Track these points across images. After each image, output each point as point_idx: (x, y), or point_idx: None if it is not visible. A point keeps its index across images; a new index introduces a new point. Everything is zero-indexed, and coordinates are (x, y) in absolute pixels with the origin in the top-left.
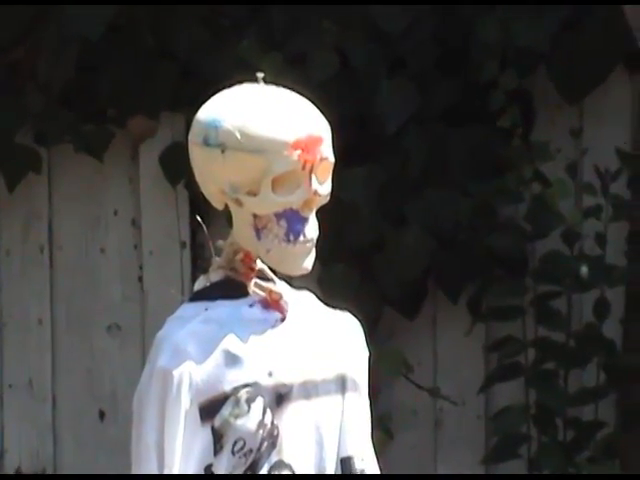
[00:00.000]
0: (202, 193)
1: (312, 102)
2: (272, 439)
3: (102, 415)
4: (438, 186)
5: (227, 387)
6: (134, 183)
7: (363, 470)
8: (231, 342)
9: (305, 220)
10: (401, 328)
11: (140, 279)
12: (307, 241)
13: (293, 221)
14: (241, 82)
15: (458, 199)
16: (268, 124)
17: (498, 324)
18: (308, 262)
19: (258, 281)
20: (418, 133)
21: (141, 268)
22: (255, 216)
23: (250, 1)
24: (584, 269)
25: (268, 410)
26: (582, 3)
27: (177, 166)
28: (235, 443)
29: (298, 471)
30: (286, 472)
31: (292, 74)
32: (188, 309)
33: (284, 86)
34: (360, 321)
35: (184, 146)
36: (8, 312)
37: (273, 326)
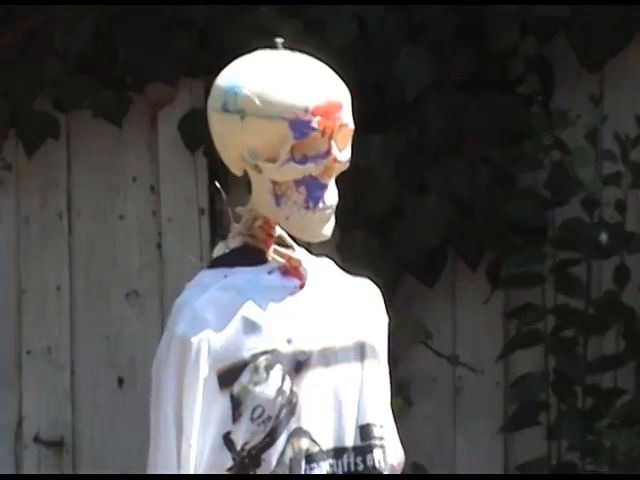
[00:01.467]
0: (221, 160)
1: (331, 68)
2: (291, 406)
3: (121, 382)
4: (457, 154)
5: (246, 354)
6: (153, 150)
7: (382, 437)
8: (250, 309)
9: (324, 187)
10: (420, 295)
11: (159, 246)
12: (326, 208)
13: (312, 188)
14: (260, 48)
15: (477, 167)
16: (287, 90)
17: (517, 291)
18: (327, 229)
19: (277, 248)
20: (437, 100)
21: (160, 235)
22: (274, 183)
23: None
24: (604, 236)
25: (287, 377)
26: (585, 3)
27: (196, 133)
28: (254, 410)
29: (317, 438)
30: (305, 439)
31: (311, 40)
32: (207, 276)
33: (303, 52)
34: (379, 288)
35: (203, 113)
36: (27, 279)
37: (292, 293)
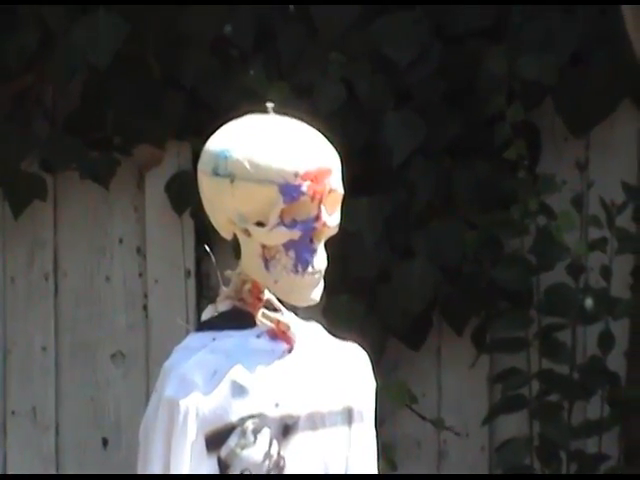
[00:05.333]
0: (208, 222)
1: (320, 133)
2: (278, 470)
3: (105, 443)
4: (444, 218)
5: (233, 418)
6: (139, 211)
7: None
8: (238, 373)
9: (314, 251)
10: (406, 359)
11: (145, 307)
12: (315, 272)
13: (302, 252)
14: (250, 112)
15: (464, 231)
16: (278, 155)
17: (502, 356)
18: (316, 293)
19: (266, 311)
20: (424, 165)
21: (146, 296)
22: (264, 246)
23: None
24: (589, 302)
25: (274, 441)
26: (586, 3)
27: (183, 195)
28: (241, 474)
29: None
30: None
31: (299, 104)
32: (195, 339)
33: (293, 117)
34: (365, 352)
35: (190, 175)
36: (12, 339)
37: (280, 357)
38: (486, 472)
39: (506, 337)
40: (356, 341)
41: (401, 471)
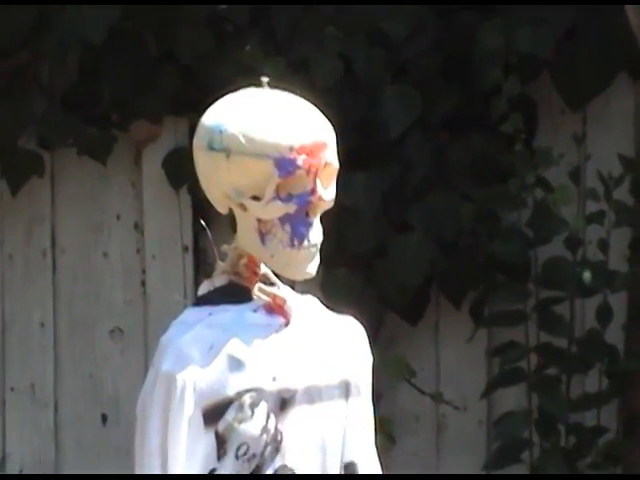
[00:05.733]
0: (205, 197)
1: (316, 107)
2: (276, 444)
3: (104, 419)
4: (440, 192)
5: (231, 392)
6: (137, 187)
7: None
8: (235, 347)
9: (309, 225)
10: (404, 333)
11: (143, 283)
12: (311, 246)
13: (297, 226)
14: (245, 87)
15: (460, 205)
16: (273, 129)
17: (500, 330)
18: (312, 267)
19: (262, 286)
20: (420, 139)
21: (144, 272)
22: (259, 221)
23: (255, 1)
24: (587, 275)
25: (272, 415)
26: (585, 3)
27: (180, 170)
28: (239, 448)
29: None
30: None
31: (295, 79)
32: (192, 314)
33: (288, 91)
34: (363, 326)
35: (187, 151)
36: (11, 316)
37: (277, 331)
38: (484, 445)
39: (504, 310)
40: (353, 315)
41: (400, 445)
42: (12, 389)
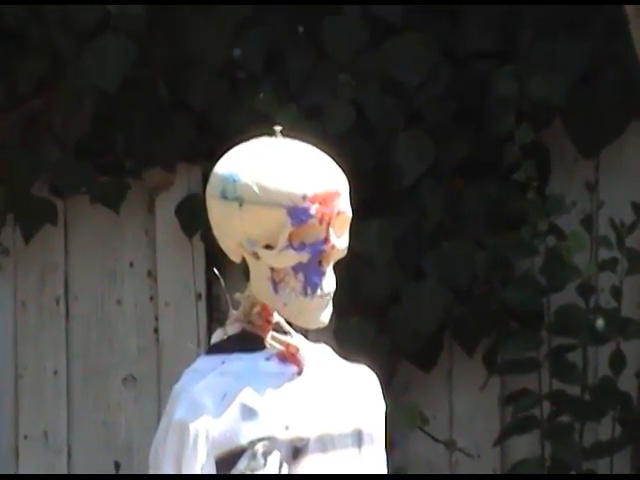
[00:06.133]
0: (218, 245)
1: (328, 155)
2: None
3: (117, 467)
4: (454, 239)
5: (243, 440)
6: (150, 235)
7: None
8: (248, 395)
9: (322, 274)
10: (417, 381)
11: (156, 330)
12: (324, 295)
13: (310, 275)
14: (258, 135)
15: (474, 252)
16: (286, 178)
17: (513, 377)
18: (325, 316)
19: (275, 334)
20: (434, 186)
21: (157, 319)
22: (272, 269)
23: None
24: (600, 322)
25: (284, 464)
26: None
27: (193, 218)
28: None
29: None
30: None
31: (308, 127)
32: (205, 362)
33: (300, 139)
34: (376, 374)
35: (200, 198)
36: (24, 363)
37: (290, 379)
38: None
39: (517, 358)
40: (367, 363)
41: None
42: (25, 437)
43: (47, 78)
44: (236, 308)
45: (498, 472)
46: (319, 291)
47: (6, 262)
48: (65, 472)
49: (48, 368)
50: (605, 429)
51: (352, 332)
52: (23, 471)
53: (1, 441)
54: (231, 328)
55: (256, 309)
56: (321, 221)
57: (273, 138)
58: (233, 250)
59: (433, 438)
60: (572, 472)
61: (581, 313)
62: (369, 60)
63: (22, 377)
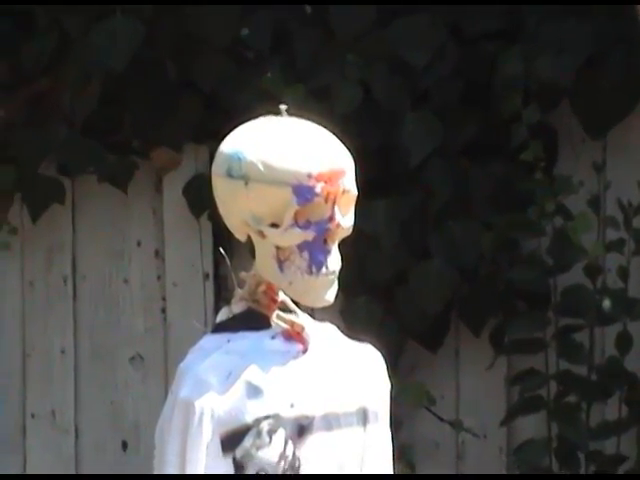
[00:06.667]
0: (225, 225)
1: (335, 134)
2: (293, 470)
3: (125, 446)
4: (461, 219)
5: (249, 418)
6: (157, 214)
7: None
8: (253, 373)
9: (328, 252)
10: (424, 361)
11: (163, 310)
12: (329, 273)
13: (316, 253)
14: (264, 114)
15: (481, 233)
16: (291, 156)
17: (520, 357)
18: (330, 294)
19: (280, 313)
20: (441, 166)
21: (164, 299)
22: (278, 248)
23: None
24: (606, 302)
25: (290, 442)
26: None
27: (201, 198)
28: (256, 474)
29: None
30: None
31: (315, 106)
32: (210, 341)
33: (307, 118)
34: (382, 353)
35: (208, 178)
36: (31, 343)
37: (295, 358)
38: (504, 473)
39: (524, 338)
40: (374, 343)
41: (420, 472)
42: (33, 416)
43: (54, 57)
44: (242, 287)
45: (504, 452)
46: (324, 269)
47: (14, 241)
48: (72, 451)
49: (56, 347)
50: (612, 409)
51: (359, 312)
52: (30, 450)
53: (9, 420)
54: (236, 307)
55: (261, 288)
56: (326, 199)
57: (279, 117)
58: (239, 228)
59: (439, 418)
60: (578, 452)
61: (588, 293)
62: (376, 40)
63: (30, 356)
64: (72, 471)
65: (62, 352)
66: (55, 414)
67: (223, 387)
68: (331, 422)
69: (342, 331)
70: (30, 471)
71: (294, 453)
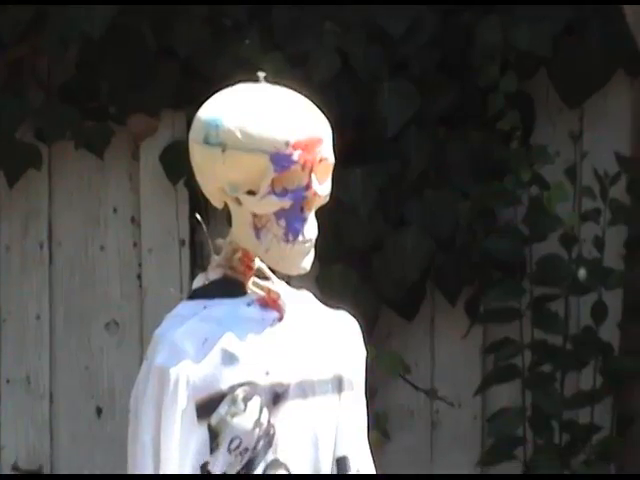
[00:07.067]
0: (202, 192)
1: (313, 102)
2: (268, 438)
3: (99, 412)
4: (437, 188)
5: (224, 386)
6: (134, 181)
7: (358, 470)
8: (228, 341)
9: (304, 220)
10: (399, 329)
11: (139, 277)
12: (306, 241)
13: (292, 221)
14: (242, 81)
15: (457, 201)
16: (269, 124)
17: (495, 326)
18: (307, 262)
19: (256, 280)
20: (418, 135)
21: (140, 266)
22: (254, 215)
23: (254, 1)
24: (582, 272)
25: (265, 409)
26: (584, 3)
27: (177, 164)
28: (231, 441)
29: (294, 470)
30: (282, 471)
31: (293, 74)
32: (186, 307)
33: (285, 86)
34: (358, 321)
35: (185, 145)
36: (6, 308)
37: (271, 325)
38: (478, 442)
39: (499, 307)
40: (349, 311)
41: (394, 441)
42: (7, 381)
43: (31, 24)
44: (218, 253)
45: (479, 420)
46: (301, 237)
47: None
48: (47, 417)
49: (31, 313)
50: (586, 379)
51: (335, 279)
52: (5, 416)
53: None
54: (213, 273)
55: (238, 255)
56: (303, 167)
57: (257, 84)
58: (215, 195)
59: (414, 386)
60: (553, 421)
61: (563, 263)
62: (355, 8)
63: (5, 321)
64: (47, 437)
65: (37, 318)
66: (30, 379)
67: (199, 354)
68: (306, 390)
69: (318, 298)
70: (5, 436)
71: (269, 420)
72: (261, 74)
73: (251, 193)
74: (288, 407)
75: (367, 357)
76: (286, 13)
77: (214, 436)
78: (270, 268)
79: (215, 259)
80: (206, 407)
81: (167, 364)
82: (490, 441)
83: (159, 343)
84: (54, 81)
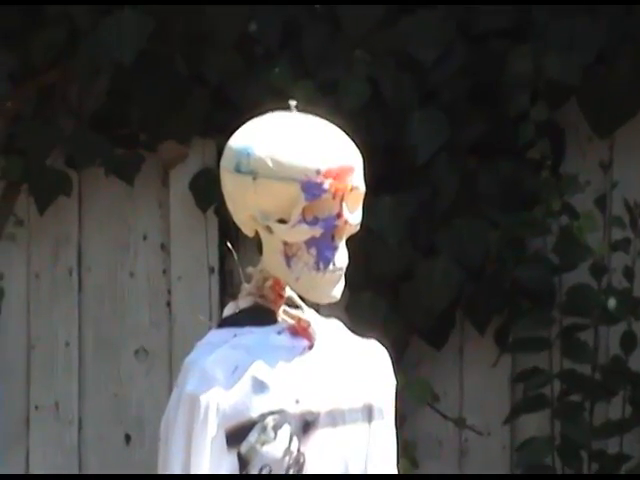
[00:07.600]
0: (232, 219)
1: (343, 131)
2: (298, 466)
3: (128, 439)
4: (467, 217)
5: (254, 414)
6: (164, 208)
7: None
8: (259, 369)
9: (335, 248)
10: (428, 358)
11: (168, 304)
12: (336, 269)
13: (323, 249)
14: (273, 110)
15: (487, 230)
16: (300, 152)
17: (524, 356)
18: (337, 290)
19: (287, 308)
20: (448, 164)
21: (169, 293)
22: (285, 243)
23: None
24: (611, 302)
25: (295, 437)
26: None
27: (207, 192)
28: (261, 470)
29: None
30: None
31: (323, 102)
32: (217, 335)
33: (315, 114)
34: (387, 350)
35: (214, 172)
36: (36, 334)
37: (301, 353)
38: (507, 471)
39: (528, 337)
40: (378, 339)
41: (422, 470)
42: (36, 407)
43: (63, 50)
44: (248, 282)
45: (508, 450)
46: (331, 266)
47: (20, 233)
48: (75, 443)
49: (60, 339)
50: (615, 409)
51: (364, 308)
52: (33, 442)
53: (12, 412)
54: (243, 302)
55: (268, 283)
56: (334, 196)
57: (288, 112)
58: (246, 224)
59: (443, 415)
60: (582, 451)
61: (593, 293)
62: (385, 36)
63: (34, 348)
64: (75, 463)
65: (67, 344)
66: (59, 406)
67: (229, 382)
68: (336, 418)
69: (347, 327)
70: (33, 463)
71: (299, 449)
72: (292, 102)
73: (282, 221)
74: (318, 436)
75: (396, 385)
76: (316, 41)
77: (244, 464)
78: (300, 296)
79: (246, 287)
80: (236, 435)
81: (197, 391)
82: (519, 470)
83: (190, 370)
84: (85, 108)
